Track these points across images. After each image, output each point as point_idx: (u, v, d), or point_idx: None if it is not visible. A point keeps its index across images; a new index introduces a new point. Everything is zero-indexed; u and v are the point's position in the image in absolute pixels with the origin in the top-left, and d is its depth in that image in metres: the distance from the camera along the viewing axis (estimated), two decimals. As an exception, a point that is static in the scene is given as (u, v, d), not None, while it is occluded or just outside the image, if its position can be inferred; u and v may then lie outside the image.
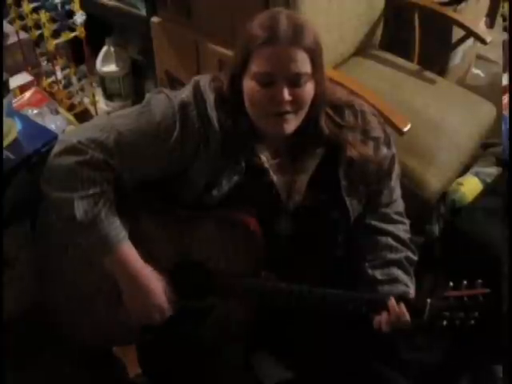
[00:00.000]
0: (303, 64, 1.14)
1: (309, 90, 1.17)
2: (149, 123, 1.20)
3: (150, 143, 1.20)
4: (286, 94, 1.14)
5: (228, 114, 1.21)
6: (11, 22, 2.26)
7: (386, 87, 2.03)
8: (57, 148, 1.21)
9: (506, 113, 1.82)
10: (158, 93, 1.25)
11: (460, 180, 1.98)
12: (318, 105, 1.21)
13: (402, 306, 1.20)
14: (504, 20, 2.59)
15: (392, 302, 1.20)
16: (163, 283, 1.25)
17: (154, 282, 1.23)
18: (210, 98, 1.21)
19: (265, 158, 1.26)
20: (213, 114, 1.20)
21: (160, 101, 1.22)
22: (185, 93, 1.23)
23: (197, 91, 1.23)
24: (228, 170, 1.23)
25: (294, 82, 1.14)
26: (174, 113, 1.20)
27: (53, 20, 2.20)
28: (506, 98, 1.81)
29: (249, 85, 1.17)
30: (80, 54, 2.41)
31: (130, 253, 1.21)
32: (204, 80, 1.25)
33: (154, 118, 1.20)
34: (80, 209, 1.16)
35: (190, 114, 1.20)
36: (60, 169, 1.18)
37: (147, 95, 1.25)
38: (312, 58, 1.15)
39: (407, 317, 1.19)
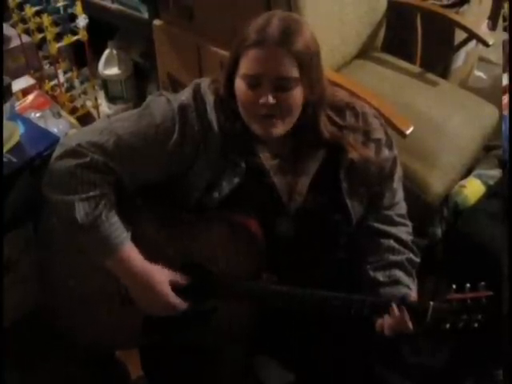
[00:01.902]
0: (289, 68, 1.13)
1: (296, 95, 1.16)
2: (148, 126, 1.20)
3: (150, 146, 1.20)
4: (270, 98, 1.13)
5: (228, 115, 1.22)
6: (14, 26, 2.27)
7: (388, 89, 2.03)
8: (57, 151, 1.21)
9: (505, 113, 1.81)
10: (158, 96, 1.25)
11: (463, 182, 1.97)
12: (311, 109, 1.21)
13: (405, 312, 1.19)
14: (504, 20, 2.59)
15: (394, 309, 1.20)
16: (170, 278, 1.24)
17: (159, 280, 1.22)
18: (209, 99, 1.22)
19: (265, 159, 1.26)
20: (212, 116, 1.21)
21: (160, 103, 1.23)
22: (184, 95, 1.23)
23: (197, 93, 1.23)
24: (228, 171, 1.23)
25: (280, 85, 1.14)
26: (174, 115, 1.20)
27: (55, 23, 2.21)
28: (505, 98, 1.81)
29: (238, 86, 1.17)
30: (82, 57, 2.42)
31: (132, 253, 1.20)
32: (204, 82, 1.25)
33: (153, 121, 1.20)
34: (81, 211, 1.16)
35: (190, 116, 1.20)
36: (60, 172, 1.19)
37: (147, 98, 1.26)
38: (300, 62, 1.14)
39: (409, 323, 1.19)
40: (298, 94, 1.16)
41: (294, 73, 1.14)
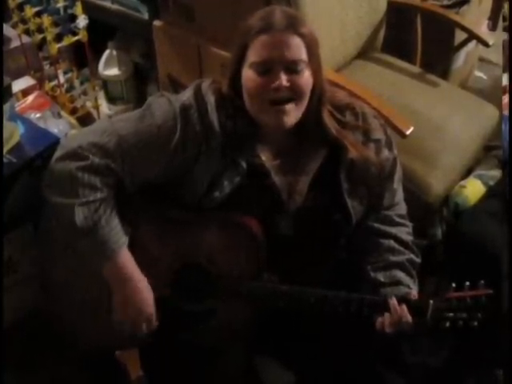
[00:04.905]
0: (299, 50, 1.15)
1: (306, 78, 1.18)
2: (150, 126, 1.20)
3: (151, 146, 1.20)
4: (284, 80, 1.15)
5: (229, 115, 1.22)
6: (14, 26, 2.26)
7: (389, 90, 2.03)
8: (58, 153, 1.21)
9: (505, 113, 1.81)
10: (159, 96, 1.26)
11: (463, 183, 1.98)
12: (316, 99, 1.22)
13: (404, 306, 1.19)
14: (504, 20, 2.59)
15: (393, 301, 1.20)
16: (153, 295, 1.25)
17: (146, 292, 1.23)
18: (210, 100, 1.22)
19: (266, 158, 1.27)
20: (213, 116, 1.21)
21: (161, 104, 1.23)
22: (186, 95, 1.24)
23: (197, 94, 1.23)
24: (229, 171, 1.23)
25: (291, 69, 1.16)
26: (175, 115, 1.20)
27: (55, 24, 2.20)
28: (505, 98, 1.81)
29: (247, 75, 1.18)
30: (82, 57, 2.42)
31: (126, 260, 1.21)
32: (205, 83, 1.26)
33: (155, 121, 1.20)
34: (80, 215, 1.16)
35: (191, 117, 1.20)
36: (61, 174, 1.19)
37: (148, 99, 1.26)
38: (307, 44, 1.16)
39: (409, 317, 1.19)
40: (308, 77, 1.18)
41: (304, 55, 1.16)
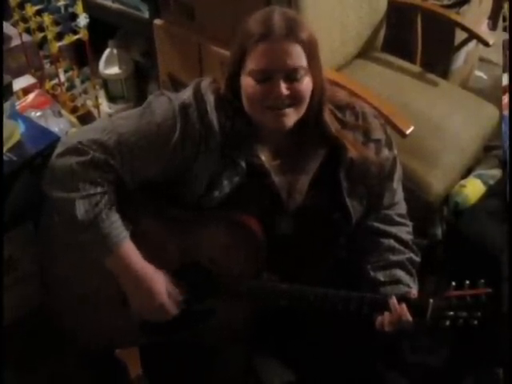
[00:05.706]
0: (299, 58, 1.15)
1: (307, 84, 1.17)
2: (149, 124, 1.20)
3: (151, 144, 1.20)
4: (284, 89, 1.14)
5: (228, 114, 1.22)
6: (14, 25, 2.27)
7: (389, 90, 2.03)
8: (58, 149, 1.21)
9: (505, 113, 1.81)
10: (159, 95, 1.25)
11: (463, 182, 1.98)
12: (316, 100, 1.22)
13: (404, 305, 1.20)
14: (504, 20, 2.59)
15: (393, 300, 1.20)
16: (166, 282, 1.24)
17: (157, 282, 1.23)
18: (210, 99, 1.22)
19: (265, 158, 1.26)
20: (213, 115, 1.21)
21: (161, 102, 1.23)
22: (186, 94, 1.24)
23: (197, 93, 1.23)
24: (229, 171, 1.23)
25: (291, 76, 1.15)
26: (175, 114, 1.20)
27: (56, 22, 2.21)
28: (505, 98, 1.81)
29: (246, 81, 1.17)
30: (83, 56, 2.42)
31: (131, 252, 1.20)
32: (205, 82, 1.26)
33: (154, 119, 1.21)
34: (81, 208, 1.16)
35: (191, 116, 1.20)
36: (61, 169, 1.19)
37: (149, 97, 1.26)
38: (307, 51, 1.15)
39: (408, 316, 1.19)
40: (308, 83, 1.18)
41: (303, 62, 1.15)
